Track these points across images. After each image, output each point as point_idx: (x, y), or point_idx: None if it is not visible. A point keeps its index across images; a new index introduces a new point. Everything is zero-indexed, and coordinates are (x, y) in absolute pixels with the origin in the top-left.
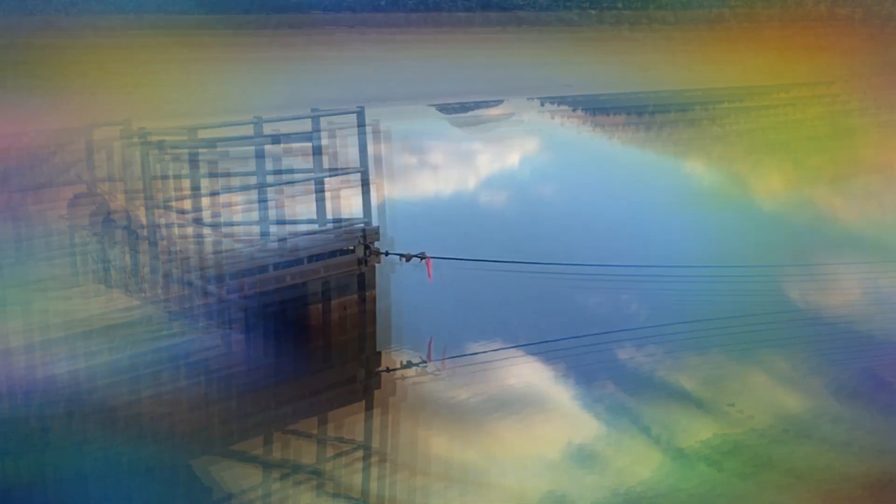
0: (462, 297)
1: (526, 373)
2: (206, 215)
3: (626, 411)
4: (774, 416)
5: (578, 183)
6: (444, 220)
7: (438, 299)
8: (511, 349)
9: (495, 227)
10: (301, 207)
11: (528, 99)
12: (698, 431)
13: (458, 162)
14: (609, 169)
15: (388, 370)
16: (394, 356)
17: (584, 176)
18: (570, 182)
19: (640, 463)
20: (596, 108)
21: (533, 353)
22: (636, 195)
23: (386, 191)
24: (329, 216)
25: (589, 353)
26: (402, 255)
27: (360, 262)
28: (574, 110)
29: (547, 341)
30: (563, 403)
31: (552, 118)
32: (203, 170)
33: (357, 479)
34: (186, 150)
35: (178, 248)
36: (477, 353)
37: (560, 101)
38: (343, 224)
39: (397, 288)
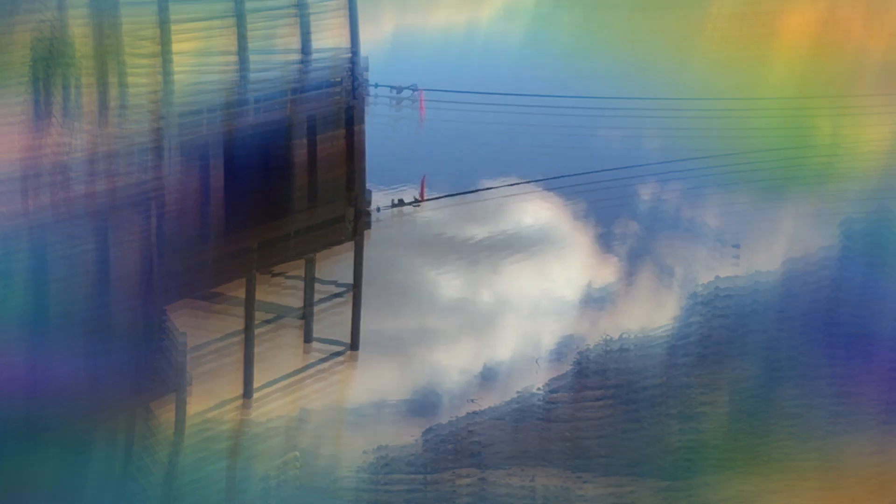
0: (461, 134)
1: (539, 211)
2: (180, 48)
3: (647, 252)
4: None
5: (599, 6)
6: (441, 52)
7: (435, 136)
8: (520, 186)
9: (499, 58)
10: (282, 36)
11: None
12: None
13: None
14: None
15: (378, 209)
16: (384, 195)
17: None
18: (588, 5)
19: (656, 307)
20: None
21: (546, 191)
22: (662, 22)
23: (377, 18)
24: (313, 45)
25: (607, 190)
26: (392, 88)
27: (347, 94)
28: None
29: (562, 176)
30: (580, 243)
31: None
32: None
33: (346, 325)
34: None
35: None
36: (480, 191)
37: None
38: (329, 54)
39: (390, 123)
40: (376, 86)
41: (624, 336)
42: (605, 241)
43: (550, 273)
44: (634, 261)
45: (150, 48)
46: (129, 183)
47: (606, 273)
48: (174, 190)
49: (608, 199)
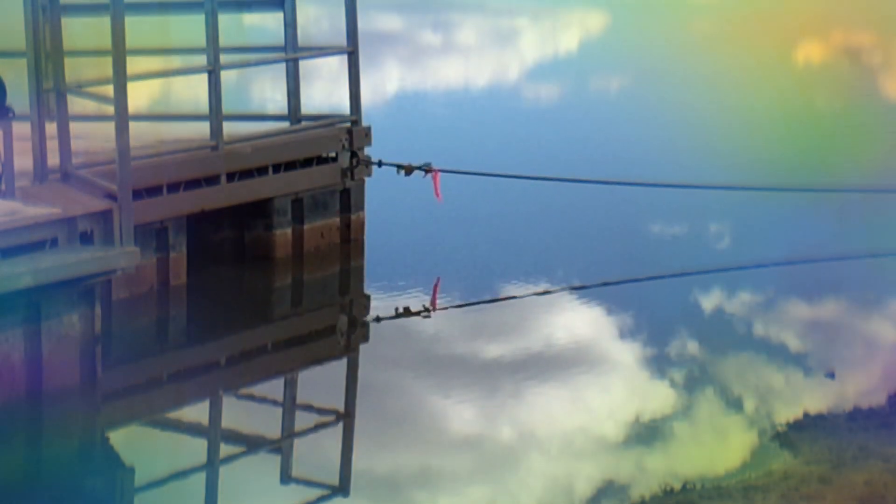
0: (482, 225)
1: (574, 324)
2: (135, 104)
3: (709, 379)
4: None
5: (653, 75)
6: (459, 123)
7: (448, 225)
8: (552, 293)
9: (530, 132)
10: (266, 96)
11: None
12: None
13: (489, 42)
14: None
15: (377, 319)
16: (387, 301)
17: (663, 64)
18: (640, 74)
19: (718, 446)
20: None
21: (584, 299)
22: (728, 94)
23: (380, 79)
24: (302, 111)
25: (660, 300)
26: (400, 167)
27: (343, 173)
28: None
29: (605, 284)
30: (624, 366)
31: None
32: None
33: (332, 463)
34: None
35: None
36: (503, 299)
37: None
38: (322, 122)
39: (393, 209)
40: (380, 164)
41: (682, 484)
42: (658, 364)
43: (588, 403)
44: (693, 389)
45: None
46: (65, 263)
47: (658, 404)
48: (124, 280)
49: (662, 310)
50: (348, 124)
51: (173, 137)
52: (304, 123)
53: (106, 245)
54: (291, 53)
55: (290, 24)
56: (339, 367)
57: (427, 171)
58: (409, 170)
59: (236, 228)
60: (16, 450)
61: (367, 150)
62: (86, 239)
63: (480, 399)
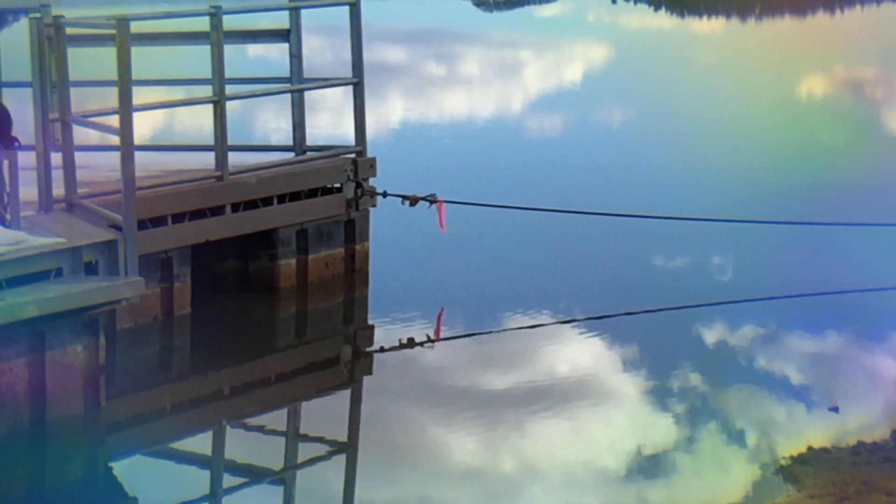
0: (484, 254)
1: (576, 356)
2: (140, 133)
3: (712, 412)
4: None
5: (658, 106)
6: (463, 154)
7: (452, 256)
8: (555, 324)
9: (534, 163)
10: (270, 127)
11: None
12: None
13: (494, 74)
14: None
15: (382, 350)
16: (391, 331)
17: (668, 97)
18: (645, 104)
19: (721, 479)
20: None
21: (585, 330)
22: (738, 124)
23: (385, 111)
24: (307, 141)
25: (662, 332)
26: (405, 198)
27: (348, 204)
28: (660, 9)
29: (608, 316)
30: (626, 398)
31: (629, 19)
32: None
33: (335, 494)
34: (114, 47)
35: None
36: (507, 330)
37: None
38: (327, 153)
39: (398, 240)
40: (385, 194)
41: None
42: (661, 397)
43: (590, 435)
44: (696, 422)
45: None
46: (70, 293)
47: (661, 437)
48: (129, 310)
49: (664, 342)
50: (353, 155)
51: (178, 168)
52: (309, 154)
53: (110, 275)
54: (297, 85)
55: (296, 55)
56: (342, 398)
57: (431, 202)
58: (413, 200)
59: (241, 259)
60: (19, 479)
61: (371, 181)
62: (90, 269)
63: (483, 431)
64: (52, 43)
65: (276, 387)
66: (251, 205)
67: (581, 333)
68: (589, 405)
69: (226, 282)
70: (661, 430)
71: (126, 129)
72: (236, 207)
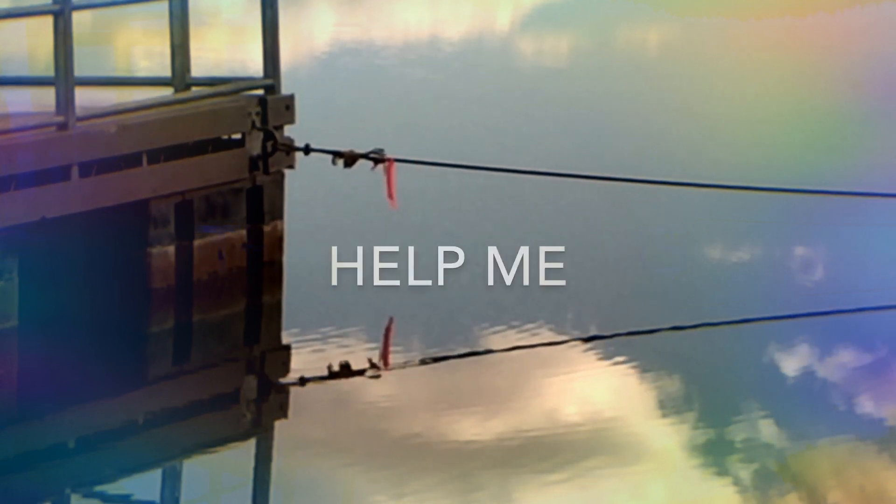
0: (448, 233)
1: (579, 389)
2: None
3: (795, 480)
4: None
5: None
6: (422, 93)
7: (406, 236)
8: (550, 346)
9: (521, 109)
10: (138, 52)
11: None
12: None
13: None
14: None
15: (302, 381)
16: (315, 355)
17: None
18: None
19: None
20: None
21: (587, 349)
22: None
23: (307, 29)
24: (192, 72)
25: (718, 356)
26: (337, 154)
27: (253, 163)
28: None
29: (617, 335)
30: (655, 452)
31: None
32: None
33: None
34: None
35: None
36: (478, 353)
37: None
38: (221, 88)
39: (326, 217)
40: (308, 150)
41: None
42: (714, 455)
43: None
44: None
45: None
46: None
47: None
48: None
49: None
50: (261, 92)
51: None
52: (194, 90)
53: None
54: None
55: None
56: (242, 454)
57: (377, 161)
58: (350, 158)
59: (93, 246)
60: None
61: (288, 131)
62: None
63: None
64: None
65: (142, 437)
66: (109, 165)
67: (598, 356)
68: (608, 466)
69: (70, 279)
70: (693, 482)
71: None
72: (87, 169)
